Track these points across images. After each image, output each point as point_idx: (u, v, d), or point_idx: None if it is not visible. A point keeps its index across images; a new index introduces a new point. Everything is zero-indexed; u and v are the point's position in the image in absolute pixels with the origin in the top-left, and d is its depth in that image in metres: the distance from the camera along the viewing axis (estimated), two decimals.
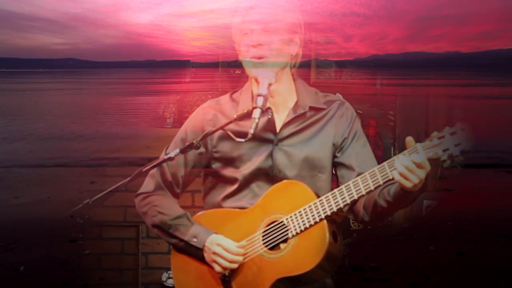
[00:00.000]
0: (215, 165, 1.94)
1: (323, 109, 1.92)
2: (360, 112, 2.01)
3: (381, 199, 1.77)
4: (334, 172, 1.96)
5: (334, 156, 1.93)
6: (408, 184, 1.65)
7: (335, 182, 1.96)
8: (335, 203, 1.75)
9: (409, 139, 1.67)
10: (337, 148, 1.92)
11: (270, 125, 1.88)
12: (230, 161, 1.91)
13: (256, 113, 1.75)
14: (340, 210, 1.76)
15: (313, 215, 1.76)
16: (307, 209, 1.76)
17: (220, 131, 1.84)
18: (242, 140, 1.74)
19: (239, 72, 2.04)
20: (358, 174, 1.80)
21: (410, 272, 4.31)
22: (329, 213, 1.75)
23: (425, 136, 1.67)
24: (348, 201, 1.74)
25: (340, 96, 2.02)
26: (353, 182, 1.74)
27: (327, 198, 1.76)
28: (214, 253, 1.83)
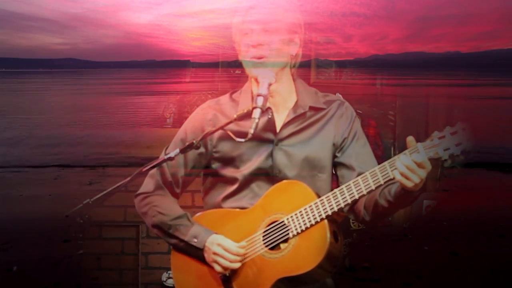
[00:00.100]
0: (215, 165, 1.94)
1: (323, 109, 1.92)
2: (360, 112, 2.01)
3: (382, 198, 1.77)
4: (334, 172, 1.96)
5: (334, 156, 1.92)
6: (409, 184, 1.65)
7: (335, 182, 1.96)
8: (335, 202, 1.75)
9: (410, 139, 1.67)
10: (337, 148, 1.92)
11: (270, 125, 1.88)
12: (230, 161, 1.90)
13: (256, 113, 1.74)
14: (340, 209, 1.76)
15: (313, 215, 1.75)
16: (308, 209, 1.76)
17: (220, 131, 1.84)
18: (242, 140, 1.74)
19: (239, 72, 2.04)
20: (359, 174, 1.80)
21: (403, 272, 4.32)
22: (329, 212, 1.74)
23: (425, 136, 1.67)
24: (349, 201, 1.74)
25: (340, 96, 2.02)
26: (353, 182, 1.74)
27: (327, 198, 1.76)
28: (215, 253, 1.83)
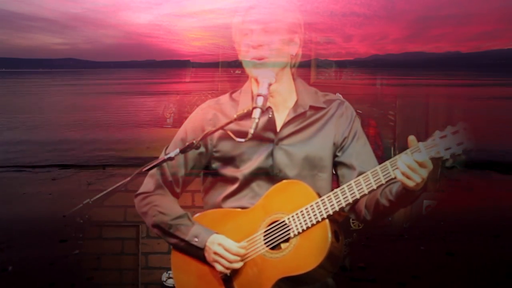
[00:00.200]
0: (215, 165, 1.94)
1: (323, 108, 1.92)
2: (360, 112, 2.01)
3: (383, 198, 1.77)
4: (334, 172, 1.96)
5: (335, 156, 1.92)
6: (410, 184, 1.65)
7: (335, 182, 1.96)
8: (337, 202, 1.75)
9: (412, 138, 1.67)
10: (338, 148, 1.92)
11: (270, 125, 1.88)
12: (230, 161, 1.90)
13: (256, 113, 1.74)
14: (342, 209, 1.76)
15: (315, 215, 1.75)
16: (309, 209, 1.76)
17: (220, 131, 1.84)
18: (242, 140, 1.74)
19: (239, 72, 2.04)
20: (359, 173, 1.80)
21: (399, 272, 4.31)
22: (331, 212, 1.74)
23: (425, 136, 1.67)
24: (350, 201, 1.74)
25: (340, 96, 2.03)
26: (355, 181, 1.74)
27: (329, 198, 1.76)
28: (215, 253, 1.83)
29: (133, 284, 3.64)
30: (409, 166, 1.63)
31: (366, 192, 1.72)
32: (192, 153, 1.89)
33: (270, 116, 1.87)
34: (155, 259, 3.63)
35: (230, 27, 1.92)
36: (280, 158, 1.87)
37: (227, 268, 1.82)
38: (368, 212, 1.84)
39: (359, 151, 1.91)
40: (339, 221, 1.81)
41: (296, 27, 1.88)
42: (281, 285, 1.78)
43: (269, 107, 1.86)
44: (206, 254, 1.85)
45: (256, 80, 1.85)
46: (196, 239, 1.86)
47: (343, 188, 1.75)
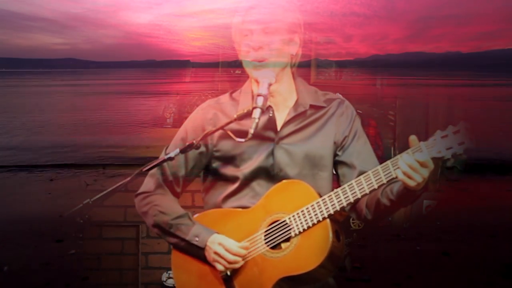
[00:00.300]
0: (216, 164, 1.94)
1: (323, 107, 1.93)
2: (360, 112, 2.01)
3: (384, 197, 1.77)
4: (334, 171, 1.96)
5: (335, 155, 1.93)
6: (411, 183, 1.65)
7: (336, 182, 1.96)
8: (338, 202, 1.75)
9: (413, 138, 1.67)
10: (338, 147, 1.92)
11: (271, 124, 1.88)
12: (230, 160, 1.90)
13: (256, 113, 1.75)
14: (343, 209, 1.76)
15: (315, 214, 1.75)
16: (310, 208, 1.76)
17: (220, 130, 1.84)
18: (242, 140, 1.74)
19: (239, 72, 2.04)
20: (360, 172, 1.80)
21: (394, 272, 4.31)
22: (332, 212, 1.74)
23: (425, 136, 1.67)
24: (352, 200, 1.74)
25: (340, 95, 2.03)
26: (356, 181, 1.74)
27: (330, 197, 1.76)
28: (216, 252, 1.83)
29: (133, 284, 3.64)
30: (410, 166, 1.63)
31: (367, 191, 1.72)
32: (192, 153, 1.89)
33: (271, 115, 1.87)
34: (155, 259, 3.63)
35: (230, 27, 1.92)
36: (281, 157, 1.87)
37: (228, 268, 1.83)
38: (369, 212, 1.84)
39: (360, 150, 1.91)
40: (340, 220, 1.81)
41: (296, 27, 1.88)
42: (282, 284, 1.78)
43: (270, 106, 1.86)
44: (207, 254, 1.85)
45: (256, 80, 1.85)
46: (197, 239, 1.86)
47: (344, 188, 1.75)
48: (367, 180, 1.72)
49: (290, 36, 1.86)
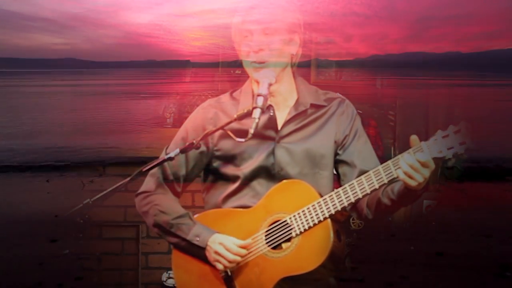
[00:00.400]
0: (216, 164, 1.94)
1: (323, 106, 1.93)
2: (360, 112, 2.01)
3: (384, 197, 1.77)
4: (335, 170, 1.96)
5: (336, 154, 1.93)
6: (412, 183, 1.65)
7: (336, 181, 1.96)
8: (339, 201, 1.75)
9: (414, 138, 1.67)
10: (339, 146, 1.92)
11: (271, 123, 1.88)
12: (231, 159, 1.90)
13: (256, 113, 1.75)
14: (344, 209, 1.76)
15: (316, 214, 1.75)
16: (311, 208, 1.76)
17: (221, 129, 1.84)
18: (242, 140, 1.74)
19: (239, 72, 2.04)
20: (360, 171, 1.80)
21: (388, 272, 4.31)
22: (333, 212, 1.74)
23: (426, 136, 1.66)
24: (353, 200, 1.74)
25: (340, 95, 2.03)
26: (357, 181, 1.74)
27: (331, 197, 1.76)
28: (217, 252, 1.83)
29: (133, 284, 3.64)
30: (411, 166, 1.63)
31: (368, 191, 1.72)
32: (193, 152, 1.89)
33: (272, 114, 1.87)
34: (155, 259, 3.63)
35: (230, 27, 1.92)
36: (282, 156, 1.87)
37: (228, 268, 1.82)
38: (369, 211, 1.84)
39: (360, 149, 1.92)
40: (341, 220, 1.82)
41: (296, 27, 1.88)
42: (283, 284, 1.78)
43: (270, 105, 1.86)
44: (208, 254, 1.85)
45: (257, 81, 1.85)
46: (198, 239, 1.87)
47: (345, 188, 1.75)
48: (368, 180, 1.72)
49: (290, 36, 1.86)
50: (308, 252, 1.75)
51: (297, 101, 1.91)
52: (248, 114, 1.76)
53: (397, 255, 4.68)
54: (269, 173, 1.87)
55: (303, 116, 1.90)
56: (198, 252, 1.87)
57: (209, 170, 1.97)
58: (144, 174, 1.84)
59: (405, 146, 1.68)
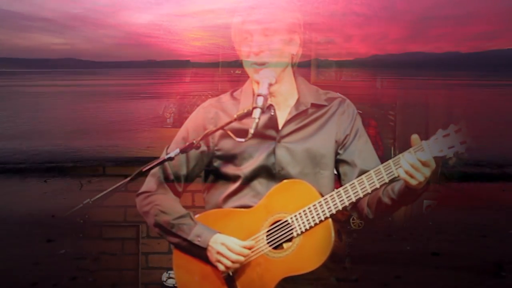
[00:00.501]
0: (217, 163, 1.94)
1: (324, 106, 1.92)
2: (360, 112, 2.01)
3: (385, 196, 1.77)
4: (335, 170, 1.96)
5: (337, 153, 1.92)
6: (413, 182, 1.65)
7: (337, 181, 1.95)
8: (340, 201, 1.75)
9: (415, 137, 1.67)
10: (339, 145, 1.92)
11: (272, 123, 1.88)
12: (232, 159, 1.90)
13: (256, 113, 1.74)
14: (345, 208, 1.76)
15: (318, 214, 1.75)
16: (312, 208, 1.76)
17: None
18: (242, 140, 1.74)
19: (239, 72, 2.04)
20: (361, 171, 1.80)
21: (383, 272, 4.30)
22: (334, 211, 1.74)
23: (426, 136, 1.66)
24: (354, 199, 1.74)
25: (341, 95, 2.03)
26: (358, 180, 1.74)
27: (332, 197, 1.75)
28: (218, 252, 1.83)
29: (133, 284, 3.63)
30: (412, 165, 1.63)
31: (369, 191, 1.72)
32: (193, 152, 1.89)
33: (272, 114, 1.87)
34: (155, 259, 3.62)
35: (230, 27, 1.92)
36: (282, 155, 1.87)
37: (230, 268, 1.82)
38: (370, 211, 1.84)
39: (361, 148, 1.91)
40: (341, 220, 1.82)
41: (296, 27, 1.88)
42: (284, 284, 1.78)
43: (271, 105, 1.86)
44: (209, 254, 1.85)
45: (257, 82, 1.85)
46: (199, 239, 1.86)
47: (346, 187, 1.75)
48: (369, 179, 1.72)
49: (291, 36, 1.86)
50: (310, 252, 1.75)
51: (297, 100, 1.91)
52: (248, 114, 1.75)
53: (393, 255, 4.68)
54: (269, 172, 1.87)
55: (303, 115, 1.90)
56: (199, 252, 1.87)
57: (210, 170, 1.96)
58: (144, 174, 1.83)
59: (405, 146, 1.68)
